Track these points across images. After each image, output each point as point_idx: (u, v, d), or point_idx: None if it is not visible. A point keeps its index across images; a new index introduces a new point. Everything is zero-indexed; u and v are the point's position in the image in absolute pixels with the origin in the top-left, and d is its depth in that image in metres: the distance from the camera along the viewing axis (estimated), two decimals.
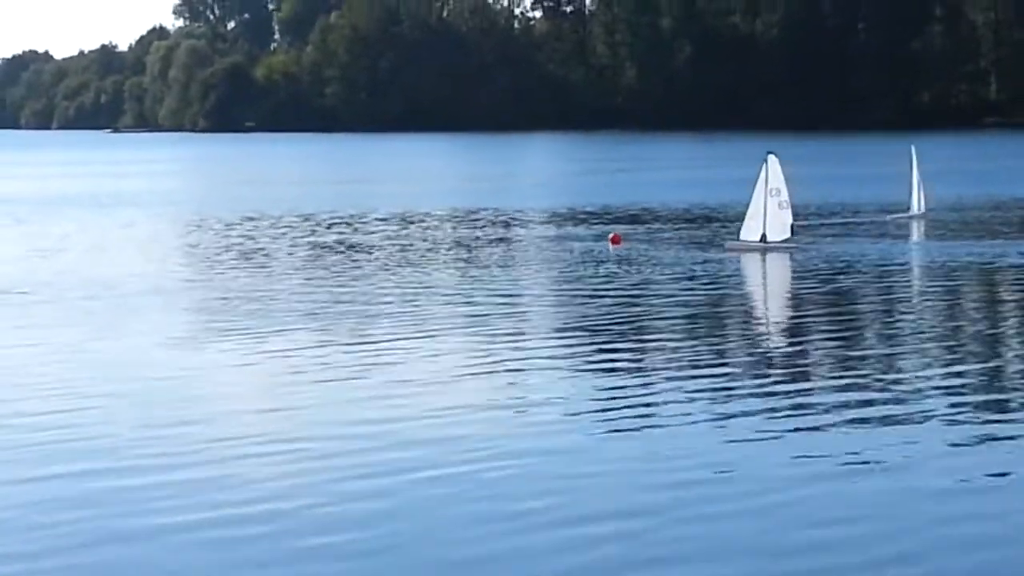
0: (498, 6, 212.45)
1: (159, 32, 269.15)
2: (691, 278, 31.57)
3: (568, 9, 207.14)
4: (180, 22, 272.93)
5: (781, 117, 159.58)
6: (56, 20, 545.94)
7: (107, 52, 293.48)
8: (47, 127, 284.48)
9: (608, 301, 27.80)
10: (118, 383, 19.99)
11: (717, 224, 46.44)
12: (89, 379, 20.28)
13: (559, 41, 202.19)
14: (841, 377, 19.96)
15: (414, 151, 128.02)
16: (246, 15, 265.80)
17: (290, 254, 38.47)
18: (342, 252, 38.74)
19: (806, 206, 53.74)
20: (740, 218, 47.48)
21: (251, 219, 51.08)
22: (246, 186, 77.06)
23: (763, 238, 37.05)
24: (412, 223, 48.59)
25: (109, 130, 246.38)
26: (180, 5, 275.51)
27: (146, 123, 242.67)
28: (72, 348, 23.05)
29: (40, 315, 27.00)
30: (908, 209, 46.76)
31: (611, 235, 40.42)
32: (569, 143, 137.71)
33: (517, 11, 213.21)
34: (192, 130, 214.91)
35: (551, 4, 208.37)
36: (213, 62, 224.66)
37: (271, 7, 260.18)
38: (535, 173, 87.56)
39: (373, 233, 44.71)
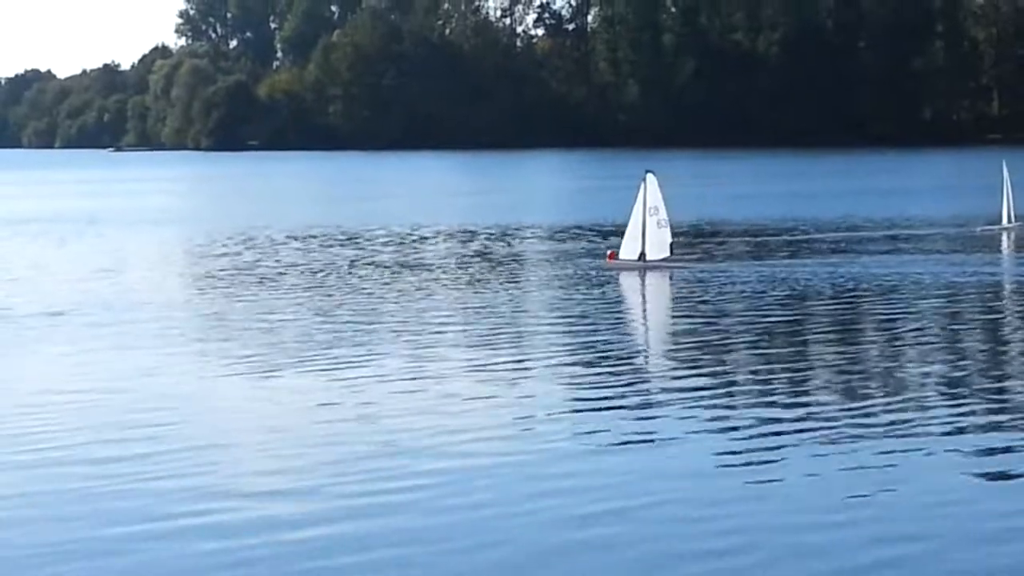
0: (500, 24, 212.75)
1: (162, 51, 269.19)
2: (702, 296, 31.53)
3: (570, 27, 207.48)
4: (182, 41, 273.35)
5: (783, 134, 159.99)
6: (58, 39, 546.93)
7: (110, 71, 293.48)
8: (50, 146, 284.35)
9: (633, 324, 27.78)
10: (185, 414, 19.24)
11: (717, 239, 46.55)
12: (156, 411, 19.39)
13: (561, 59, 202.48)
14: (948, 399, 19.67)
15: (420, 169, 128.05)
16: (248, 33, 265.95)
17: (347, 273, 37.71)
18: (398, 270, 38.43)
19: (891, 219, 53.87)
20: (736, 234, 47.77)
21: (294, 238, 50.72)
22: (272, 204, 77.01)
23: (642, 256, 37.21)
24: (438, 240, 48.72)
25: (111, 149, 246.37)
26: (182, 24, 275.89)
27: (149, 142, 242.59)
28: (140, 373, 22.38)
29: (104, 338, 26.31)
30: (999, 221, 47.31)
31: (609, 252, 40.30)
32: (571, 161, 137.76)
33: (519, 29, 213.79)
34: (195, 149, 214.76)
35: (553, 22, 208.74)
36: (216, 81, 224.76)
37: (273, 25, 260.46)
38: (539, 190, 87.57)
39: (422, 252, 44.50)
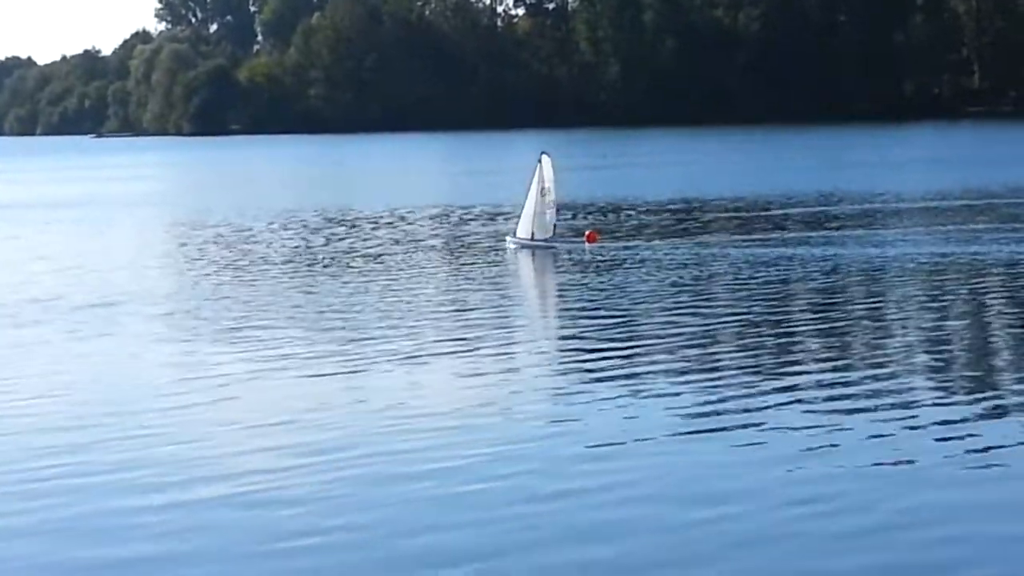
0: (480, 4, 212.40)
1: (142, 36, 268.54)
2: (680, 278, 31.41)
3: (551, 6, 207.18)
4: (162, 26, 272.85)
5: (766, 110, 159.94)
6: (39, 26, 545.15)
7: (90, 57, 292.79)
8: (31, 133, 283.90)
9: (614, 306, 27.74)
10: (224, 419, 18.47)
11: (700, 216, 46.55)
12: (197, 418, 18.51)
13: (542, 39, 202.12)
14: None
15: (405, 151, 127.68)
16: (228, 17, 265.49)
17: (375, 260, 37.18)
18: (388, 253, 38.37)
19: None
20: (717, 208, 47.84)
21: (332, 220, 50.65)
22: (271, 189, 77.12)
23: (532, 236, 38.30)
24: (418, 222, 48.59)
25: (93, 136, 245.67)
26: (162, 9, 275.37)
27: (131, 128, 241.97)
28: (188, 368, 21.88)
29: (155, 332, 25.68)
30: None
31: (587, 232, 40.26)
32: (554, 140, 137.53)
33: (499, 9, 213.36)
34: (176, 134, 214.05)
35: (533, 2, 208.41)
36: (196, 65, 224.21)
37: (253, 9, 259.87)
38: (514, 170, 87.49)
39: (405, 234, 44.43)
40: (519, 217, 39.42)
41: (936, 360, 21.15)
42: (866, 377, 19.60)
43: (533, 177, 38.28)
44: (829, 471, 14.90)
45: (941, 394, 18.60)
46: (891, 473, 14.87)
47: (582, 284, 30.76)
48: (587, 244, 38.64)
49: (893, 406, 17.78)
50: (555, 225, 38.52)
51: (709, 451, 15.95)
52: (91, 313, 28.19)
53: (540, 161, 38.34)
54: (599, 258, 35.64)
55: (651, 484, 14.64)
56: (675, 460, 15.58)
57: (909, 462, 15.18)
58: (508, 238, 39.53)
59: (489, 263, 35.68)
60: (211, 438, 17.23)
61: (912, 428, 16.73)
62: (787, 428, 16.79)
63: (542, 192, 37.99)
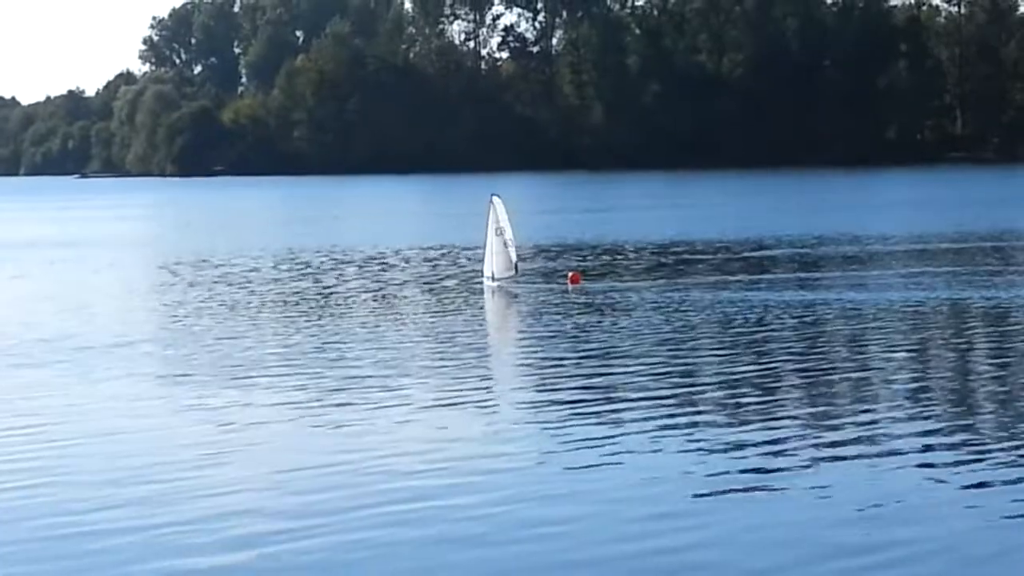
0: (464, 48, 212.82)
1: (126, 77, 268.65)
2: (664, 321, 31.20)
3: (535, 50, 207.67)
4: (147, 67, 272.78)
5: (749, 154, 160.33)
6: (23, 66, 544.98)
7: (74, 97, 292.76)
8: (14, 173, 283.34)
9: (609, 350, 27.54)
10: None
11: (684, 258, 46.45)
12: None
13: (526, 82, 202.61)
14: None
15: (389, 193, 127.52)
16: (212, 59, 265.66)
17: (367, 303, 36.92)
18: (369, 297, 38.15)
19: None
20: (701, 251, 47.69)
21: (326, 260, 50.58)
22: (270, 229, 77.11)
23: (493, 275, 38.69)
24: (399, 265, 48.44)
25: (77, 176, 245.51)
26: (146, 50, 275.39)
27: (114, 168, 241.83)
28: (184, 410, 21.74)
29: (157, 373, 25.57)
30: None
31: (570, 274, 40.16)
32: (537, 183, 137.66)
33: (483, 52, 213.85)
34: (160, 175, 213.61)
35: (517, 45, 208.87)
36: (180, 106, 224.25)
37: (237, 51, 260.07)
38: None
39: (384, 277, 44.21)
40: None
41: (923, 407, 20.84)
42: (863, 429, 19.29)
43: (487, 219, 38.73)
44: (835, 535, 14.44)
45: (934, 441, 18.36)
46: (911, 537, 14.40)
47: (565, 326, 30.46)
48: (570, 285, 38.53)
49: (911, 456, 17.58)
50: (517, 264, 38.72)
51: (719, 512, 15.32)
52: (98, 354, 27.93)
53: (491, 202, 38.76)
54: (583, 300, 35.46)
55: (675, 556, 14.00)
56: (693, 523, 14.94)
57: (936, 518, 14.83)
58: (485, 280, 39.43)
59: (472, 305, 35.53)
60: (215, 494, 16.67)
61: (905, 471, 16.57)
62: (790, 481, 16.52)
63: (497, 231, 38.45)
